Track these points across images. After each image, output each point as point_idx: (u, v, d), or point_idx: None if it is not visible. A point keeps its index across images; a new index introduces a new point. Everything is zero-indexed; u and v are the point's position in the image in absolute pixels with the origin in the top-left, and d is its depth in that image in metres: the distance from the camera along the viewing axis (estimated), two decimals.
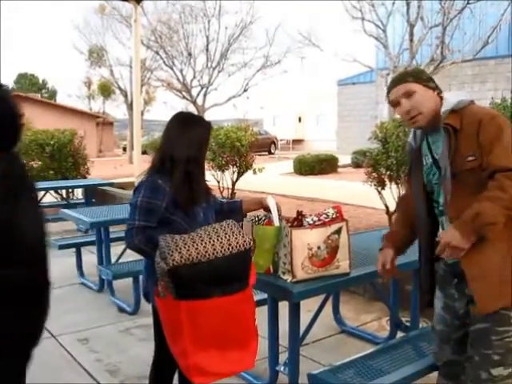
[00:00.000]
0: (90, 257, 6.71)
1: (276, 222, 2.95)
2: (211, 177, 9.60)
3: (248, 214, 3.11)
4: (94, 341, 4.54)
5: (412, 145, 2.61)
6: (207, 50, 27.97)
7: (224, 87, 55.89)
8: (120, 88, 32.16)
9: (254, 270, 2.55)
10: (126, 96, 31.15)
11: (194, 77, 27.98)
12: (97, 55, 32.70)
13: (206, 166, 10.29)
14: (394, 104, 2.46)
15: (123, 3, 6.19)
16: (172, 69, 27.78)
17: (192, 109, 27.04)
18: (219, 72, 28.19)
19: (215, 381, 2.51)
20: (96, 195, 10.01)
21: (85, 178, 11.52)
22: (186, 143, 2.71)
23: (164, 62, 27.88)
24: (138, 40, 9.72)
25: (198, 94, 27.84)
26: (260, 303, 3.33)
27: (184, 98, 27.97)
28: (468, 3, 15.32)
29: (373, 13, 16.98)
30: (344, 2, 17.09)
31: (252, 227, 2.98)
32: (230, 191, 10.07)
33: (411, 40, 15.67)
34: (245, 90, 28.73)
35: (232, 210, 3.08)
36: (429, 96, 2.41)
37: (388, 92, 2.49)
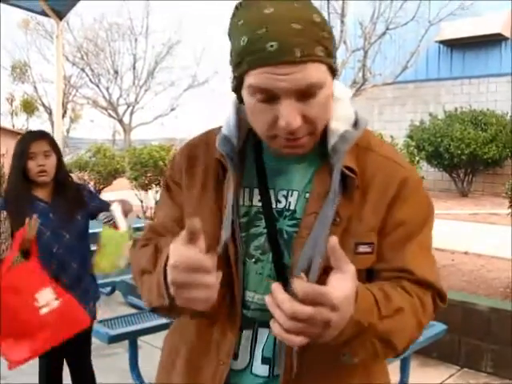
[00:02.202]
0: None
1: (121, 227, 2.87)
2: (134, 196, 9.49)
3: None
4: None
5: (224, 151, 1.19)
6: (134, 68, 27.89)
7: (152, 106, 55.61)
8: (44, 105, 31.44)
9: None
10: (50, 113, 30.46)
11: (121, 95, 27.82)
12: (20, 71, 31.87)
13: (129, 186, 10.34)
14: (271, 98, 1.05)
15: (48, 18, 6.15)
16: (98, 86, 27.50)
17: (118, 127, 26.73)
18: (146, 91, 28.12)
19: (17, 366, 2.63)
20: None
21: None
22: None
23: (90, 79, 27.56)
24: (59, 57, 9.55)
25: (125, 113, 27.60)
26: None
27: (110, 116, 27.67)
28: (387, 29, 15.93)
29: None
30: None
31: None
32: (152, 211, 10.01)
33: (334, 63, 16.07)
34: (172, 109, 28.71)
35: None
36: (331, 91, 1.13)
37: (238, 64, 1.06)
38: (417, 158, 7.10)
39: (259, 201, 1.20)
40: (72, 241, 2.85)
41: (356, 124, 1.20)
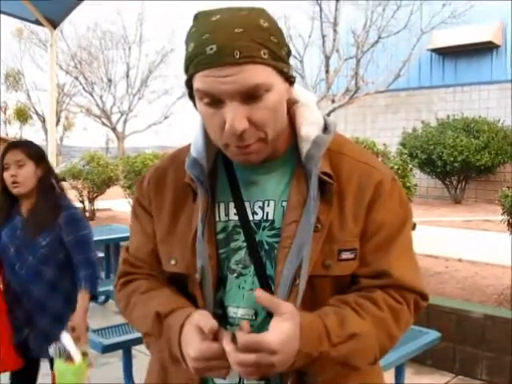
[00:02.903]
0: None
1: (76, 359, 2.41)
2: (127, 204, 9.47)
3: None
4: None
5: (193, 174, 1.15)
6: (127, 76, 27.91)
7: (145, 114, 55.65)
8: (37, 113, 31.41)
9: None
10: (43, 121, 30.43)
11: (114, 103, 27.82)
12: (13, 79, 31.86)
13: (123, 194, 10.31)
14: (216, 101, 1.04)
15: (42, 27, 6.11)
16: (91, 95, 27.48)
17: (112, 135, 26.72)
18: (139, 99, 28.13)
19: None
20: None
21: None
22: None
23: (83, 87, 27.54)
24: (53, 66, 9.54)
25: (118, 121, 27.60)
26: None
27: (103, 124, 27.67)
28: (380, 38, 16.03)
29: (290, 44, 17.43)
30: None
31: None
32: None
33: (327, 71, 16.15)
34: (166, 118, 28.74)
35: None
36: (284, 97, 1.10)
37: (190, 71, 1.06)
38: (410, 166, 7.11)
39: (235, 214, 1.18)
40: (36, 264, 2.64)
41: (326, 128, 1.18)
